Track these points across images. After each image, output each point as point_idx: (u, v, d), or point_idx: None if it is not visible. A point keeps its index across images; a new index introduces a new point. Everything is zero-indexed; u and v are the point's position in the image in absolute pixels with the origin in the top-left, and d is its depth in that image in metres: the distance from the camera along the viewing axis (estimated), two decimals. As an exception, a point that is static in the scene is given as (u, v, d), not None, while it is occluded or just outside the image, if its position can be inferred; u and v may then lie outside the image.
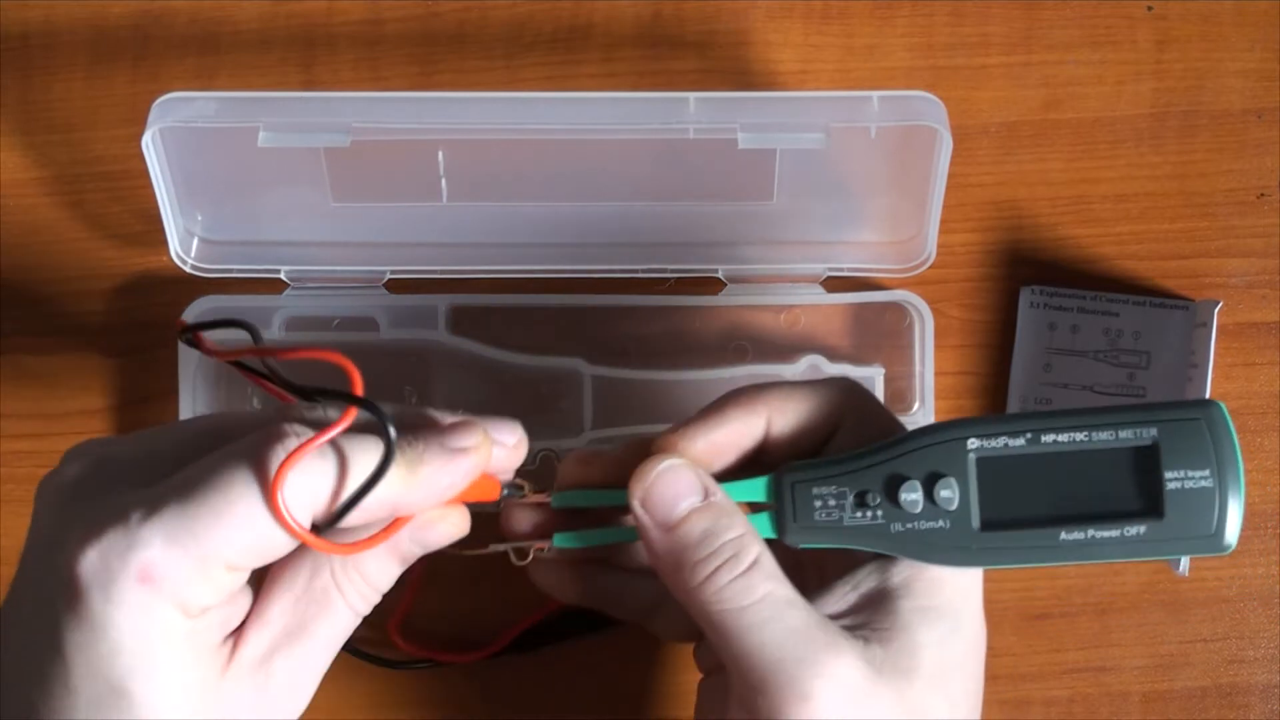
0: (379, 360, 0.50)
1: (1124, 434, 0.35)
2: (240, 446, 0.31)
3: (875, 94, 0.44)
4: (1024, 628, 0.51)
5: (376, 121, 0.45)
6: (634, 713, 0.50)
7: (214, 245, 0.50)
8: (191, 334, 0.36)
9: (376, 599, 0.35)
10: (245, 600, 0.34)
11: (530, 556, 0.39)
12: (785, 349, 0.51)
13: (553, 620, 0.50)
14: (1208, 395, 0.48)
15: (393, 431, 0.31)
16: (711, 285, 0.51)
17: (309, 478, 0.31)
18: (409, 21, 0.52)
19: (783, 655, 0.34)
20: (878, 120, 0.44)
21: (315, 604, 0.34)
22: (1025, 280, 0.51)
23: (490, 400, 0.50)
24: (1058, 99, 0.52)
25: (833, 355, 0.50)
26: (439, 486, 0.33)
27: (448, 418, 0.35)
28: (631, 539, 0.38)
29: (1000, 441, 0.35)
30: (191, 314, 0.50)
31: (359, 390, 0.31)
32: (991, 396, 0.51)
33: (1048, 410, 0.36)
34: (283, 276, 0.50)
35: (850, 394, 0.38)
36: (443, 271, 0.50)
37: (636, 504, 0.36)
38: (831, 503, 0.36)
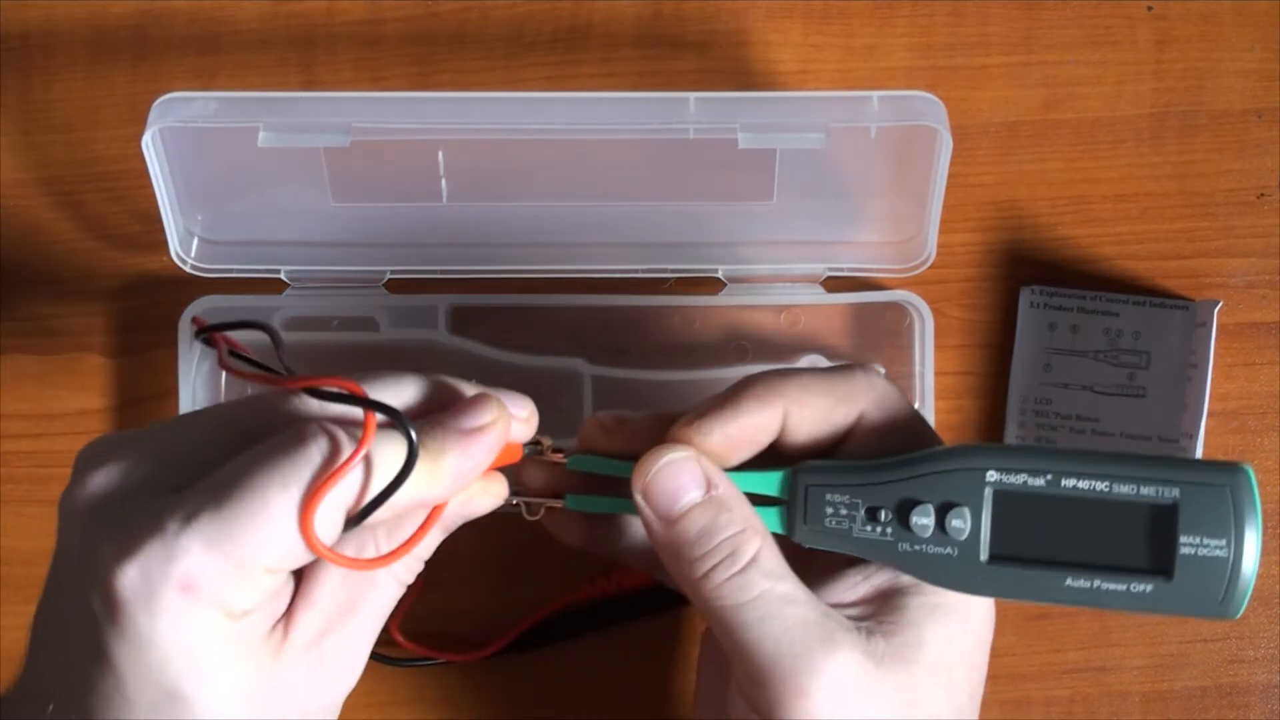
0: (379, 360, 0.50)
1: (1145, 490, 0.34)
2: (270, 449, 0.31)
3: (875, 94, 0.44)
4: (1024, 628, 0.51)
5: (376, 121, 0.45)
6: (634, 713, 0.50)
7: (214, 245, 0.50)
8: (208, 335, 0.36)
9: (420, 567, 0.36)
10: (290, 586, 0.34)
11: (541, 513, 0.39)
12: (785, 349, 0.51)
13: (554, 620, 0.50)
14: (1207, 395, 0.48)
15: (414, 435, 0.31)
16: (711, 285, 0.51)
17: (337, 492, 0.31)
18: (409, 21, 0.52)
19: (780, 651, 0.34)
20: (878, 120, 0.44)
21: (363, 581, 0.34)
22: (1025, 280, 0.51)
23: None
24: (1058, 99, 0.52)
25: (833, 355, 0.50)
26: (463, 472, 0.34)
27: (464, 387, 0.35)
28: None
29: (1020, 478, 0.35)
30: (191, 314, 0.50)
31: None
32: (991, 396, 0.51)
33: (1073, 450, 0.35)
34: (283, 276, 0.50)
35: (874, 391, 0.37)
36: (443, 271, 0.50)
37: (638, 495, 0.36)
38: (843, 512, 0.36)
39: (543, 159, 0.49)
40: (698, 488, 0.36)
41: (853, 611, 0.36)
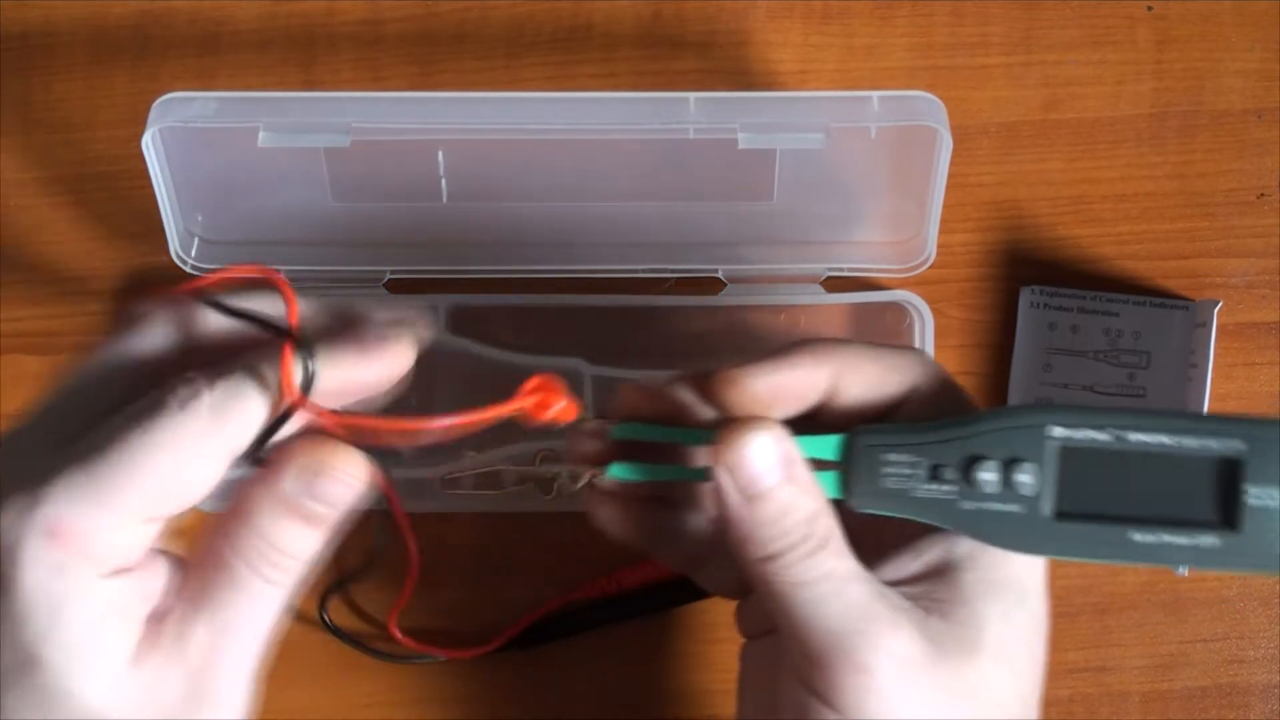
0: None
1: (1210, 443, 0.34)
2: (136, 406, 0.31)
3: (875, 94, 0.44)
4: (1024, 628, 0.51)
5: (376, 121, 0.45)
6: (634, 712, 0.50)
7: (214, 245, 0.50)
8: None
9: (296, 568, 0.33)
10: (163, 573, 0.32)
11: (583, 482, 0.39)
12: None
13: (554, 618, 0.50)
14: (1207, 395, 0.48)
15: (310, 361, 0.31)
16: (711, 285, 0.51)
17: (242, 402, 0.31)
18: (409, 21, 0.52)
19: (842, 628, 0.34)
20: (878, 120, 0.44)
21: (218, 570, 0.32)
22: (1025, 280, 0.51)
23: (490, 400, 0.50)
24: (1058, 99, 0.52)
25: (833, 355, 0.50)
26: (352, 364, 0.33)
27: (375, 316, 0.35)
28: (694, 479, 0.37)
29: (1084, 433, 0.35)
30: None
31: (295, 314, 0.31)
32: (991, 397, 0.51)
33: (1134, 409, 0.35)
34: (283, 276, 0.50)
35: (926, 368, 0.37)
36: (443, 271, 0.50)
37: (723, 469, 0.35)
38: (905, 471, 0.35)
39: (543, 159, 0.49)
40: (782, 467, 0.35)
41: (906, 590, 0.36)
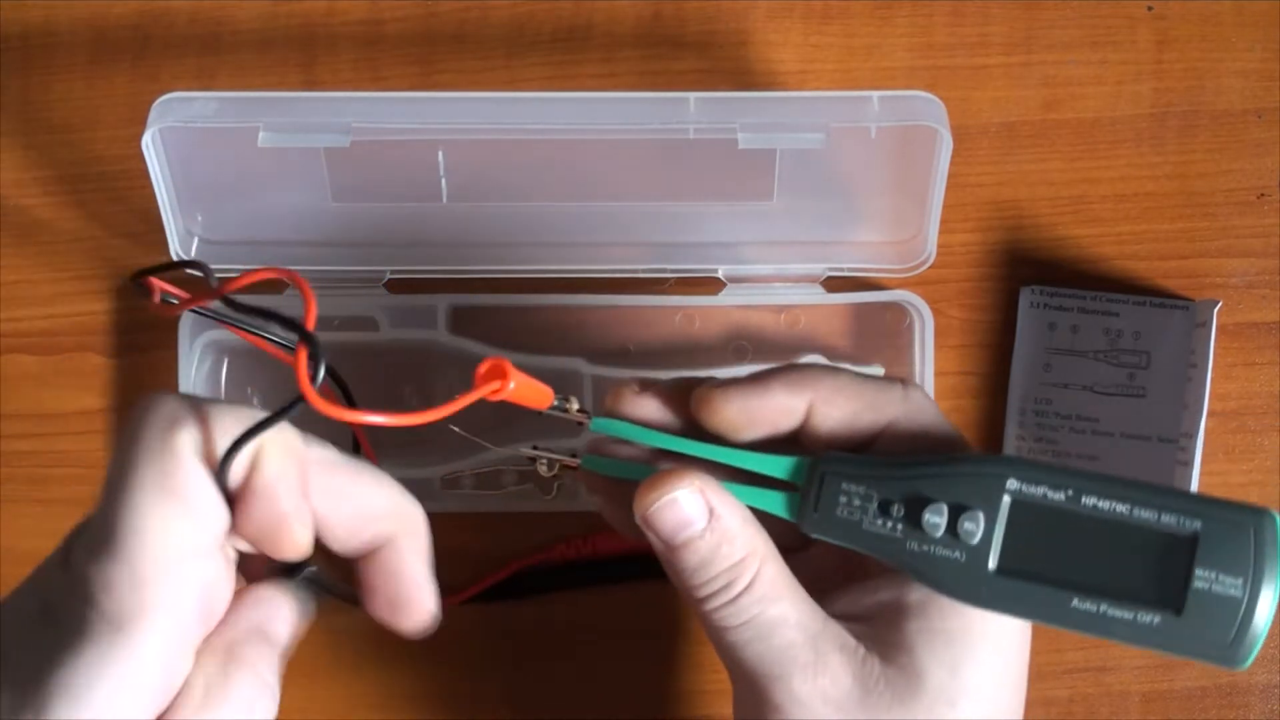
0: (379, 360, 0.50)
1: (1167, 518, 0.33)
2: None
3: (875, 94, 0.44)
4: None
5: (376, 121, 0.45)
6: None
7: (214, 245, 0.50)
8: (143, 280, 0.35)
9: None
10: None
11: (556, 469, 0.39)
12: (785, 349, 0.51)
13: (525, 574, 0.50)
14: (1207, 395, 0.48)
15: (320, 359, 0.29)
16: (711, 285, 0.51)
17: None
18: (409, 21, 0.52)
19: (763, 671, 0.35)
20: (878, 120, 0.44)
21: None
22: (1025, 280, 0.51)
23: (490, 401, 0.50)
24: (1058, 99, 0.52)
25: (833, 355, 0.50)
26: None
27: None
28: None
29: (1040, 490, 0.34)
30: (192, 314, 0.50)
31: (312, 318, 0.29)
32: (991, 396, 0.51)
33: (1096, 473, 0.34)
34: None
35: (908, 404, 0.37)
36: (443, 271, 0.50)
37: (639, 521, 0.36)
38: (856, 503, 0.35)
39: (543, 159, 0.49)
40: (700, 519, 0.35)
41: (855, 627, 0.36)
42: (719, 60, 0.52)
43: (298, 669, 0.50)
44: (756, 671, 0.35)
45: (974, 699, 0.35)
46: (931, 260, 0.48)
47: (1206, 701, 0.50)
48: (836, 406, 0.36)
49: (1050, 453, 0.50)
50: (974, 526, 0.34)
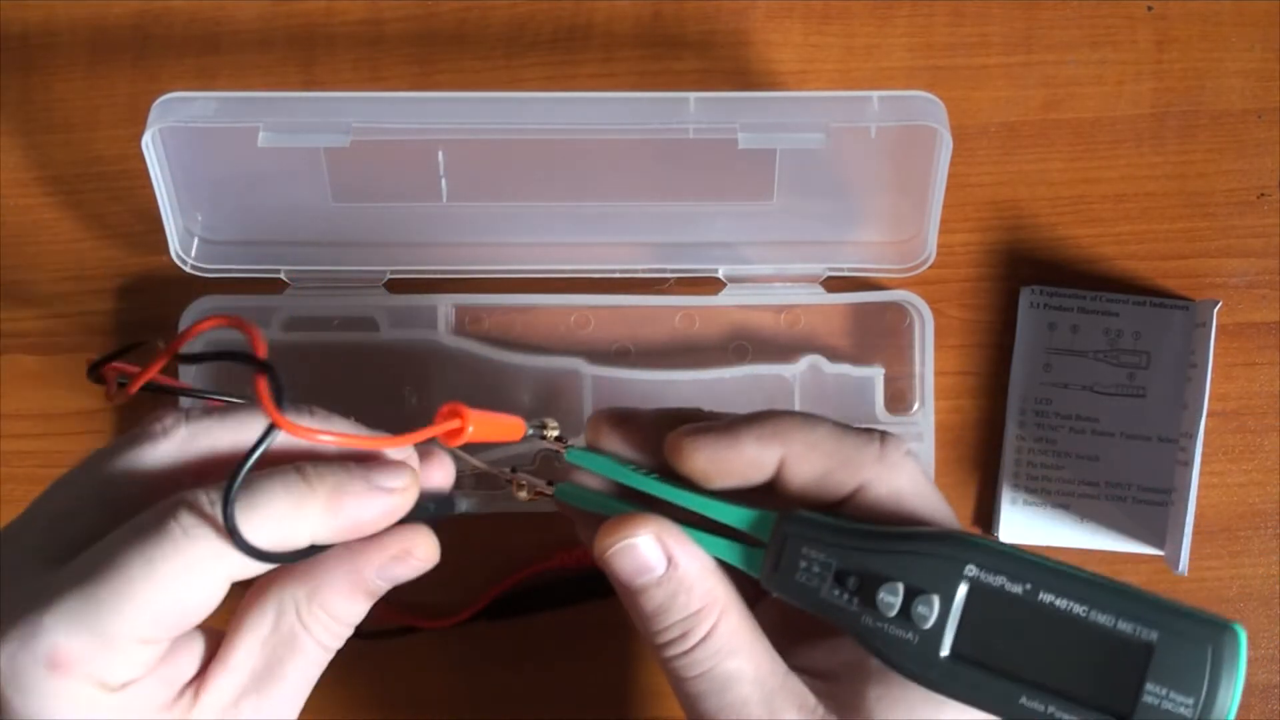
0: (379, 360, 0.50)
1: (1124, 624, 0.32)
2: (137, 523, 0.31)
3: (875, 94, 0.44)
4: (1024, 628, 0.51)
5: (376, 121, 0.45)
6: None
7: (214, 245, 0.50)
8: (99, 370, 0.35)
9: (347, 633, 0.35)
10: (197, 650, 0.33)
11: (531, 495, 0.39)
12: (785, 349, 0.51)
13: (521, 592, 0.50)
14: (1207, 395, 0.48)
15: (280, 399, 0.30)
16: (711, 285, 0.51)
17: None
18: (409, 21, 0.52)
19: None
20: (878, 120, 0.44)
21: (283, 645, 0.33)
22: (1025, 280, 0.51)
23: (490, 400, 0.50)
24: (1058, 99, 0.52)
25: (833, 355, 0.50)
26: (355, 521, 0.33)
27: (388, 450, 0.34)
28: (630, 511, 0.37)
29: (998, 580, 0.33)
30: (191, 314, 0.50)
31: (261, 347, 0.31)
32: (991, 396, 0.51)
33: (1065, 566, 0.33)
34: (283, 276, 0.50)
35: (882, 459, 0.35)
36: (443, 271, 0.50)
37: (598, 561, 0.35)
38: (815, 569, 0.34)
39: (543, 159, 0.49)
40: (657, 566, 0.35)
41: (817, 683, 0.35)
42: (719, 60, 0.52)
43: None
44: None
45: None
46: (931, 260, 0.48)
47: (1206, 701, 0.50)
48: (808, 463, 0.35)
49: (1050, 452, 0.50)
50: (927, 611, 0.33)
